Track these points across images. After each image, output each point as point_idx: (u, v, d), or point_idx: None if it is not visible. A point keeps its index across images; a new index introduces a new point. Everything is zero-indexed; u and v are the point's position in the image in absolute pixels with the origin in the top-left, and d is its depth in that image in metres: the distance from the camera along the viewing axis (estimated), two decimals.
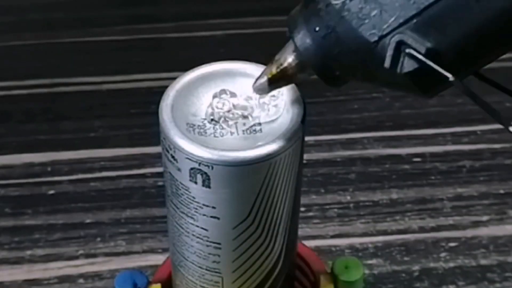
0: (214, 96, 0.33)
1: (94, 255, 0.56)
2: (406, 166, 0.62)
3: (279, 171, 0.32)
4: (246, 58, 0.34)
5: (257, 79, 0.31)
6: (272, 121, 0.32)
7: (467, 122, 0.65)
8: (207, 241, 0.33)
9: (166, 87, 0.33)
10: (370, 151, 0.63)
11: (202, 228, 0.33)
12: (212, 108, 0.33)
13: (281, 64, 0.30)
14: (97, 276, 0.54)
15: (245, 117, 0.32)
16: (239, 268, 0.34)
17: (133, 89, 0.69)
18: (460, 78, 0.26)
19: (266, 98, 0.33)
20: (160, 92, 0.33)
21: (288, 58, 0.30)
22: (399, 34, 0.27)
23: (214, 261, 0.34)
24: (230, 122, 0.32)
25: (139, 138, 0.64)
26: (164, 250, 0.55)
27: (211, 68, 0.34)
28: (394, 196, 0.59)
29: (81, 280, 0.54)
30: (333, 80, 0.30)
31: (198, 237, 0.33)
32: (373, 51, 0.27)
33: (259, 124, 0.32)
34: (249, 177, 0.31)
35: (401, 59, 0.27)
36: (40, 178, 0.61)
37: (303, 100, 0.33)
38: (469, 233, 0.57)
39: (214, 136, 0.32)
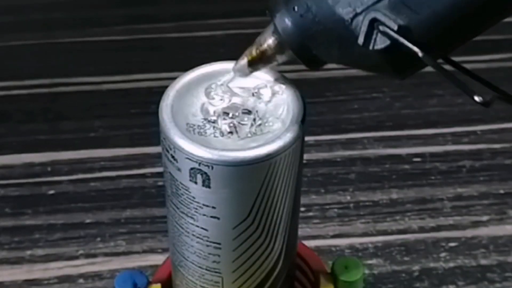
0: (214, 96, 0.33)
1: (94, 255, 0.56)
2: (406, 166, 0.62)
3: (279, 171, 0.32)
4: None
5: (237, 61, 0.32)
6: (272, 121, 0.32)
7: (467, 122, 0.65)
8: (207, 241, 0.33)
9: (166, 87, 0.33)
10: (370, 151, 0.63)
11: (202, 228, 0.33)
12: (212, 108, 0.33)
13: (261, 45, 0.31)
14: (97, 276, 0.54)
15: (245, 117, 0.32)
16: (239, 268, 0.34)
17: (133, 89, 0.69)
18: (431, 58, 0.27)
19: (267, 98, 0.33)
20: (160, 92, 0.33)
21: (268, 39, 0.31)
22: (373, 12, 0.27)
23: (214, 261, 0.34)
24: (230, 122, 0.32)
25: (139, 138, 0.64)
26: (164, 250, 0.55)
27: (211, 68, 0.34)
28: (394, 196, 0.59)
29: (81, 280, 0.54)
30: (311, 60, 0.31)
31: (198, 237, 0.33)
32: (347, 29, 0.28)
33: (259, 124, 0.32)
34: (249, 177, 0.31)
35: (374, 36, 0.28)
36: (40, 178, 0.61)
37: (303, 100, 0.33)
38: (469, 233, 0.57)
39: (214, 136, 0.32)
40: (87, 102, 0.68)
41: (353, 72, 0.70)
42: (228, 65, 0.34)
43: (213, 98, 0.33)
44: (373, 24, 0.27)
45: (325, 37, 0.29)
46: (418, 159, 0.62)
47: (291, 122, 0.32)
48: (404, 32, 0.27)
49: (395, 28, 0.27)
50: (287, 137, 0.31)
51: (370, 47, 0.28)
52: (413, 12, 0.27)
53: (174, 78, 0.33)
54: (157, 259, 0.54)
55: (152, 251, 0.56)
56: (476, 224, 0.57)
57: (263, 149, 0.31)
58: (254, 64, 0.32)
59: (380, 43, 0.27)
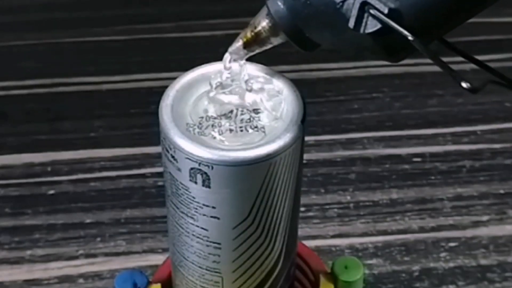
0: (214, 96, 0.33)
1: (94, 255, 0.56)
2: (406, 166, 0.62)
3: (279, 171, 0.32)
4: (246, 58, 0.34)
5: (233, 43, 0.33)
6: (272, 121, 0.32)
7: (467, 122, 0.65)
8: (207, 241, 0.33)
9: (166, 87, 0.33)
10: (370, 151, 0.63)
11: (202, 228, 0.33)
12: (212, 108, 0.33)
13: (255, 28, 0.32)
14: (97, 276, 0.54)
15: (245, 117, 0.32)
16: (239, 268, 0.34)
17: (133, 89, 0.69)
18: (424, 42, 0.27)
19: (266, 98, 0.33)
20: (160, 92, 0.33)
21: (262, 22, 0.32)
22: None
23: (214, 261, 0.34)
24: (230, 122, 0.32)
25: (139, 138, 0.64)
26: (164, 250, 0.55)
27: (211, 68, 0.34)
28: (394, 196, 0.59)
29: (81, 280, 0.54)
30: (304, 42, 0.31)
31: (198, 237, 0.33)
32: (338, 12, 0.28)
33: (259, 124, 0.32)
34: (249, 177, 0.31)
35: (365, 19, 0.28)
36: (40, 178, 0.61)
37: (303, 100, 0.33)
38: (469, 233, 0.57)
39: (214, 136, 0.32)
40: (87, 102, 0.68)
41: (353, 72, 0.70)
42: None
43: (213, 98, 0.33)
44: (364, 7, 0.27)
45: (317, 20, 0.29)
46: (418, 159, 0.62)
47: (291, 122, 0.32)
48: (395, 15, 0.27)
49: (386, 11, 0.27)
50: (287, 137, 0.31)
51: (361, 31, 0.28)
52: None
53: (174, 78, 0.33)
54: (157, 259, 0.54)
55: (152, 251, 0.56)
56: (476, 224, 0.57)
57: (263, 149, 0.31)
58: (249, 46, 0.32)
59: (371, 26, 0.28)
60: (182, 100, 0.32)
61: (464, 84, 0.26)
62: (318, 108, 0.66)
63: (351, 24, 0.28)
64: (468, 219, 0.58)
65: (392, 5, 0.27)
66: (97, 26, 0.75)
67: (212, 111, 0.32)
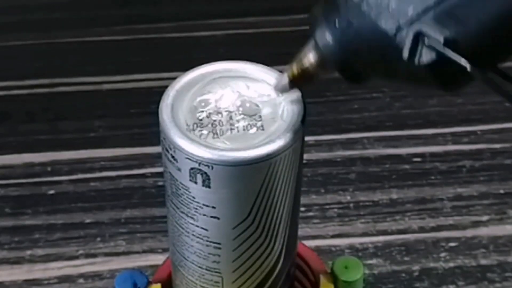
0: (214, 96, 0.33)
1: (94, 255, 0.56)
2: (406, 166, 0.62)
3: (279, 171, 0.32)
4: (246, 58, 0.34)
5: (279, 80, 0.31)
6: (272, 121, 0.32)
7: (467, 122, 0.65)
8: (207, 241, 0.33)
9: (166, 87, 0.33)
10: (370, 151, 0.63)
11: (202, 228, 0.33)
12: (212, 108, 0.33)
13: (303, 63, 0.30)
14: (97, 276, 0.54)
15: (245, 117, 0.32)
16: (239, 268, 0.34)
17: (133, 89, 0.69)
18: (480, 71, 0.26)
19: (267, 98, 0.33)
20: (160, 92, 0.33)
21: (309, 57, 0.30)
22: (418, 25, 0.26)
23: (214, 261, 0.34)
24: (230, 122, 0.32)
25: (139, 138, 0.64)
26: (164, 250, 0.55)
27: (211, 68, 0.34)
28: (394, 196, 0.59)
29: (81, 280, 0.54)
30: (354, 76, 0.30)
31: (198, 237, 0.33)
32: (391, 44, 0.27)
33: (259, 124, 0.32)
34: (249, 177, 0.31)
35: (420, 50, 0.26)
36: (40, 178, 0.61)
37: (303, 100, 0.33)
38: (469, 233, 0.57)
39: (214, 136, 0.32)
40: (87, 102, 0.68)
41: None
42: (228, 65, 0.34)
43: (213, 98, 0.33)
44: (418, 37, 0.26)
45: (368, 53, 0.28)
46: (418, 159, 0.62)
47: (291, 122, 0.32)
48: (451, 44, 0.26)
49: (442, 41, 0.26)
50: (287, 137, 0.31)
51: (416, 62, 0.26)
52: (459, 24, 0.26)
53: (174, 78, 0.33)
54: (157, 259, 0.54)
55: (152, 251, 0.56)
56: (476, 224, 0.57)
57: (263, 149, 0.31)
58: (296, 82, 0.31)
59: (426, 57, 0.26)
60: (182, 100, 0.32)
61: None
62: (318, 108, 0.66)
63: (405, 55, 0.26)
64: (468, 219, 0.58)
65: (448, 34, 0.26)
66: (97, 26, 0.75)
67: (212, 111, 0.32)
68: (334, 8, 0.28)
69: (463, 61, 0.26)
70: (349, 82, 0.30)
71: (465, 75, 0.26)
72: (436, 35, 0.26)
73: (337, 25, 0.28)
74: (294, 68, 0.31)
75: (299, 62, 0.30)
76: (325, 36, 0.29)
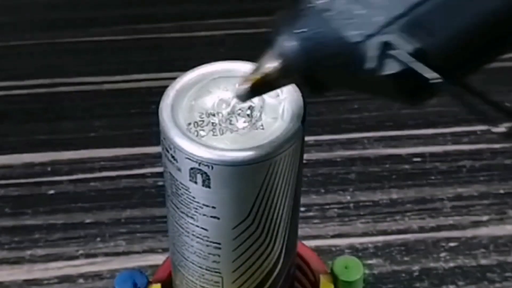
0: (214, 96, 0.33)
1: (94, 255, 0.56)
2: (406, 166, 0.62)
3: (279, 171, 0.32)
4: (246, 58, 0.34)
5: (238, 85, 0.30)
6: (272, 121, 0.32)
7: (467, 122, 0.65)
8: (207, 241, 0.33)
9: (166, 87, 0.33)
10: (370, 151, 0.63)
11: (202, 228, 0.33)
12: (212, 108, 0.33)
13: (264, 70, 0.29)
14: (97, 276, 0.54)
15: (245, 117, 0.32)
16: (239, 268, 0.34)
17: (133, 89, 0.69)
18: (448, 84, 0.25)
19: (267, 97, 0.33)
20: (160, 92, 0.33)
21: (272, 63, 0.29)
22: (384, 35, 0.25)
23: (214, 261, 0.34)
24: (230, 122, 0.32)
25: (139, 138, 0.64)
26: (164, 250, 0.55)
27: (211, 68, 0.34)
28: (394, 196, 0.59)
29: (81, 280, 0.54)
30: (316, 85, 0.29)
31: (198, 237, 0.33)
32: (355, 53, 0.26)
33: (259, 124, 0.32)
34: (249, 177, 0.31)
35: (384, 60, 0.25)
36: (40, 178, 0.61)
37: (303, 100, 0.33)
38: (469, 233, 0.57)
39: (214, 136, 0.32)
40: (87, 102, 0.68)
41: None
42: (228, 65, 0.34)
43: (213, 98, 0.33)
44: (384, 47, 0.25)
45: (331, 62, 0.27)
46: (418, 159, 0.62)
47: (291, 122, 0.32)
48: (420, 56, 0.25)
49: (410, 51, 0.25)
50: (287, 137, 0.31)
51: (380, 73, 0.25)
52: (429, 34, 0.25)
53: (174, 78, 0.33)
54: (157, 259, 0.54)
55: (152, 251, 0.56)
56: (476, 224, 0.58)
57: (263, 149, 0.31)
58: (257, 89, 0.30)
59: (391, 68, 0.25)
60: (182, 100, 0.32)
61: (497, 129, 0.24)
62: (318, 108, 0.66)
63: (369, 66, 0.25)
64: (468, 219, 0.58)
65: (417, 45, 0.25)
66: (97, 26, 0.75)
67: (212, 111, 0.32)
68: (298, 15, 0.28)
69: (430, 73, 0.25)
70: (311, 91, 0.29)
71: (430, 88, 0.25)
72: (404, 46, 0.25)
73: (300, 32, 0.27)
74: (256, 75, 0.29)
75: (261, 69, 0.29)
76: (288, 43, 0.28)
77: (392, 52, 0.25)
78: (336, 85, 0.29)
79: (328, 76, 0.28)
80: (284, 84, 0.30)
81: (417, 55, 0.25)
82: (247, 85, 0.29)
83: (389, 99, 0.27)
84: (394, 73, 0.25)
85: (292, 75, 0.29)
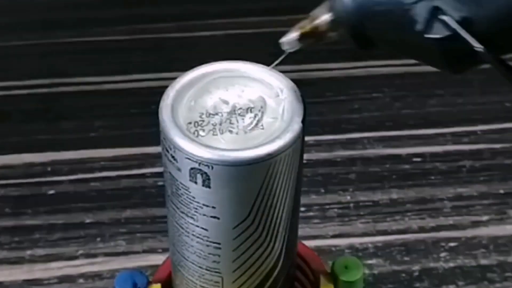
0: (214, 96, 0.33)
1: (94, 255, 0.56)
2: (406, 166, 0.62)
3: (279, 171, 0.32)
4: (246, 58, 0.34)
5: (288, 33, 0.31)
6: (272, 121, 0.32)
7: (467, 122, 0.65)
8: (207, 241, 0.33)
9: (166, 87, 0.33)
10: (370, 151, 0.63)
11: (202, 228, 0.33)
12: (212, 108, 0.33)
13: (315, 20, 0.30)
14: (97, 276, 0.54)
15: (245, 117, 0.32)
16: (239, 268, 0.34)
17: (133, 89, 0.69)
18: (491, 54, 0.26)
19: (267, 98, 0.33)
20: (160, 92, 0.33)
21: (324, 15, 0.30)
22: (435, 0, 0.27)
23: (214, 261, 0.34)
24: (230, 122, 0.32)
25: (139, 138, 0.64)
26: (164, 250, 0.55)
27: (211, 68, 0.34)
28: (394, 196, 0.59)
29: (81, 280, 0.54)
30: (363, 41, 0.30)
31: (198, 237, 0.33)
32: (407, 14, 0.27)
33: (260, 124, 0.32)
34: (249, 177, 0.31)
35: (434, 24, 0.27)
36: (40, 178, 0.61)
37: (303, 100, 0.33)
38: (469, 233, 0.57)
39: (214, 136, 0.32)
40: (87, 102, 0.68)
41: (353, 72, 0.70)
42: (228, 65, 0.34)
43: (213, 98, 0.33)
44: (434, 12, 0.27)
45: (383, 19, 0.28)
46: (418, 159, 0.62)
47: (291, 122, 0.32)
48: (466, 24, 0.26)
49: (457, 18, 0.26)
50: (287, 137, 0.31)
51: (428, 35, 0.27)
52: (477, 5, 0.26)
53: (174, 78, 0.33)
54: (157, 259, 0.54)
55: (152, 251, 0.56)
56: (476, 224, 0.58)
57: (263, 149, 0.31)
58: (305, 39, 0.31)
59: (439, 32, 0.27)
60: (182, 100, 0.32)
61: None
62: (318, 108, 0.66)
63: (419, 27, 0.27)
64: (468, 219, 0.58)
65: (464, 13, 0.26)
66: (97, 26, 0.75)
67: (212, 111, 0.32)
68: None
69: (475, 42, 0.26)
70: (358, 47, 0.30)
71: (473, 57, 0.26)
72: (453, 13, 0.26)
73: None
74: (306, 25, 0.31)
75: (312, 19, 0.31)
76: None
77: (441, 17, 0.26)
78: (382, 43, 0.30)
79: (376, 34, 0.29)
80: (332, 37, 0.31)
81: (464, 23, 0.26)
82: (296, 34, 0.31)
83: (432, 64, 0.28)
84: (441, 37, 0.27)
85: (341, 29, 0.30)
